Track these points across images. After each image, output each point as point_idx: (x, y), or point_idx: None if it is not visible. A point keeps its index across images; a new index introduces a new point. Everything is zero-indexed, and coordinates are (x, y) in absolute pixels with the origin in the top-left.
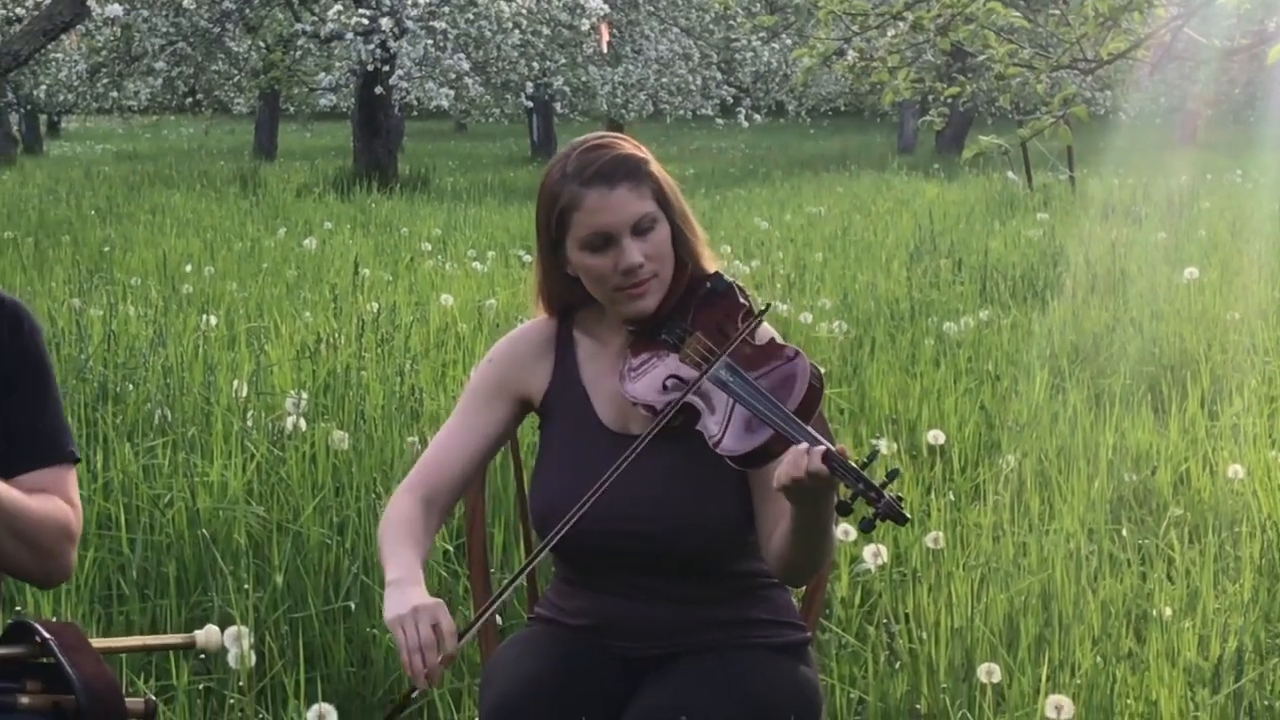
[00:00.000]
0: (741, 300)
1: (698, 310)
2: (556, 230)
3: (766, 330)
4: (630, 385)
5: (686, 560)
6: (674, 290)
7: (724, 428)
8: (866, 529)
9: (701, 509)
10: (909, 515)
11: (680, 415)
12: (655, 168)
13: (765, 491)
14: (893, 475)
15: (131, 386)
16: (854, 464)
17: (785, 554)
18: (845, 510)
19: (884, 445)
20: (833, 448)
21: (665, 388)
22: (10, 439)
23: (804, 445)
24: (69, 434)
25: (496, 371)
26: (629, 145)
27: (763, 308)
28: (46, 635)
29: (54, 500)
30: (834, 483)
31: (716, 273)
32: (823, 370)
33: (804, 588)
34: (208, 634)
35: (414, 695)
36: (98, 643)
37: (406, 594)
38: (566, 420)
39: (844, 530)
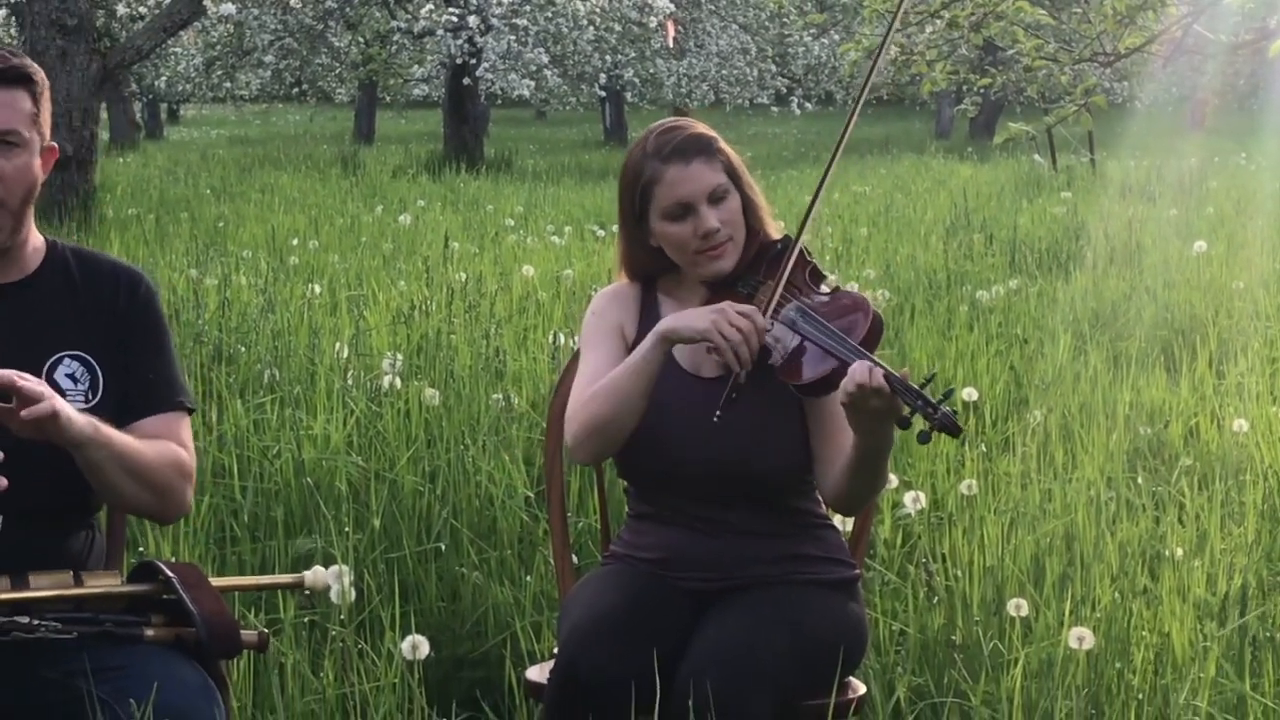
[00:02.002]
0: (808, 258)
1: (769, 266)
2: (640, 204)
3: (831, 282)
4: None
5: (749, 489)
6: (746, 252)
7: (796, 362)
8: (924, 441)
9: (767, 442)
10: (962, 427)
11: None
12: (723, 145)
13: (828, 426)
14: (948, 393)
15: (243, 349)
16: (912, 384)
17: (843, 482)
18: (904, 424)
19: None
20: (893, 371)
21: None
22: (128, 391)
23: (867, 364)
24: (183, 387)
25: (602, 318)
26: (699, 126)
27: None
28: (169, 574)
29: (167, 443)
30: (894, 403)
31: (785, 235)
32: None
33: (851, 529)
34: (315, 575)
35: (742, 380)
36: (216, 581)
37: (685, 312)
38: None
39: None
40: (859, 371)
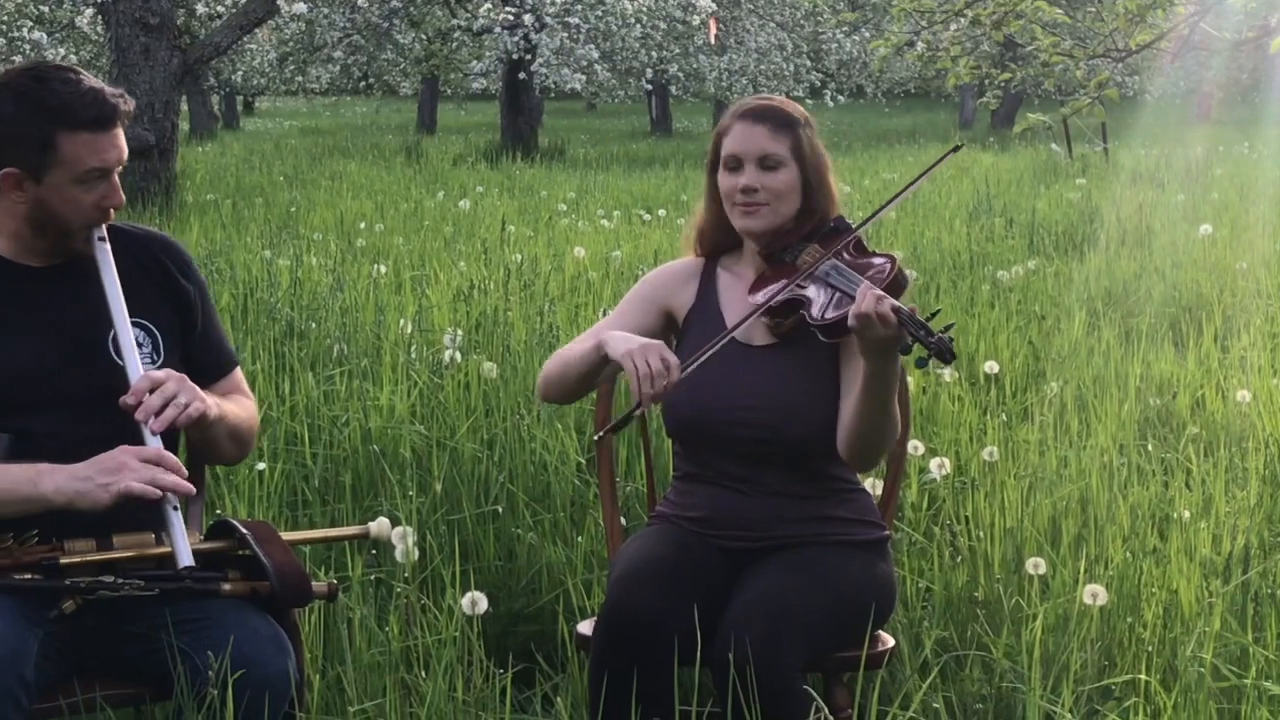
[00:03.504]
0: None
1: (819, 239)
2: (713, 155)
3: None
4: (754, 293)
5: (786, 453)
6: (798, 230)
7: (822, 307)
8: (921, 366)
9: (805, 403)
10: (956, 354)
11: (792, 313)
12: (806, 130)
13: (850, 374)
14: (948, 327)
15: (314, 325)
16: (918, 317)
17: (853, 420)
18: (906, 350)
19: (946, 373)
20: (901, 306)
21: (778, 292)
22: (197, 357)
23: (876, 292)
24: (229, 341)
25: (648, 287)
26: (792, 107)
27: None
28: (244, 531)
29: (242, 400)
30: (900, 332)
31: (839, 216)
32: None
33: (881, 493)
34: (379, 525)
35: (637, 413)
36: (287, 536)
37: (629, 336)
38: (703, 332)
39: (914, 446)
40: (868, 298)
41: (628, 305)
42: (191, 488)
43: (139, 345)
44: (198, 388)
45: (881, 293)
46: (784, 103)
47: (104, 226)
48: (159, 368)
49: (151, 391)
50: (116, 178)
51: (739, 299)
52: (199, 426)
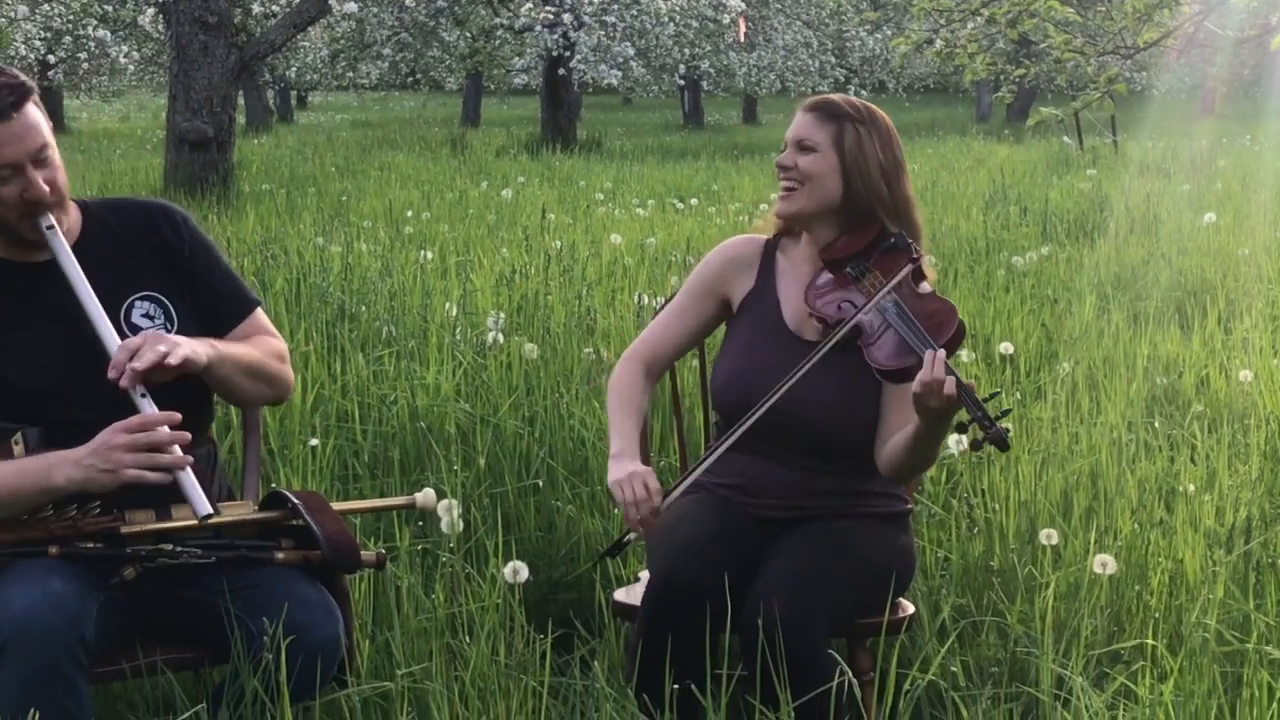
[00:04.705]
0: (914, 255)
1: (879, 257)
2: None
3: (928, 286)
4: (814, 298)
5: (825, 440)
6: (862, 237)
7: (882, 347)
8: (976, 448)
9: (844, 403)
10: (1010, 445)
11: (849, 333)
12: (859, 126)
13: (896, 405)
14: (1005, 413)
15: (364, 308)
16: (978, 397)
17: (898, 457)
18: (962, 430)
19: (964, 354)
20: (964, 381)
21: (840, 307)
22: (211, 310)
23: (944, 370)
24: (246, 287)
25: (709, 274)
26: (854, 105)
27: (919, 257)
28: (296, 501)
29: (260, 340)
30: (958, 406)
31: (899, 232)
32: None
33: None
34: (425, 496)
35: (627, 539)
36: (337, 506)
37: (624, 464)
38: (757, 316)
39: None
40: (935, 374)
41: (686, 296)
42: (188, 460)
43: (150, 317)
44: (180, 338)
45: (947, 365)
46: (846, 100)
47: (49, 215)
48: (177, 329)
49: (131, 359)
50: (32, 170)
51: (795, 289)
52: (191, 372)
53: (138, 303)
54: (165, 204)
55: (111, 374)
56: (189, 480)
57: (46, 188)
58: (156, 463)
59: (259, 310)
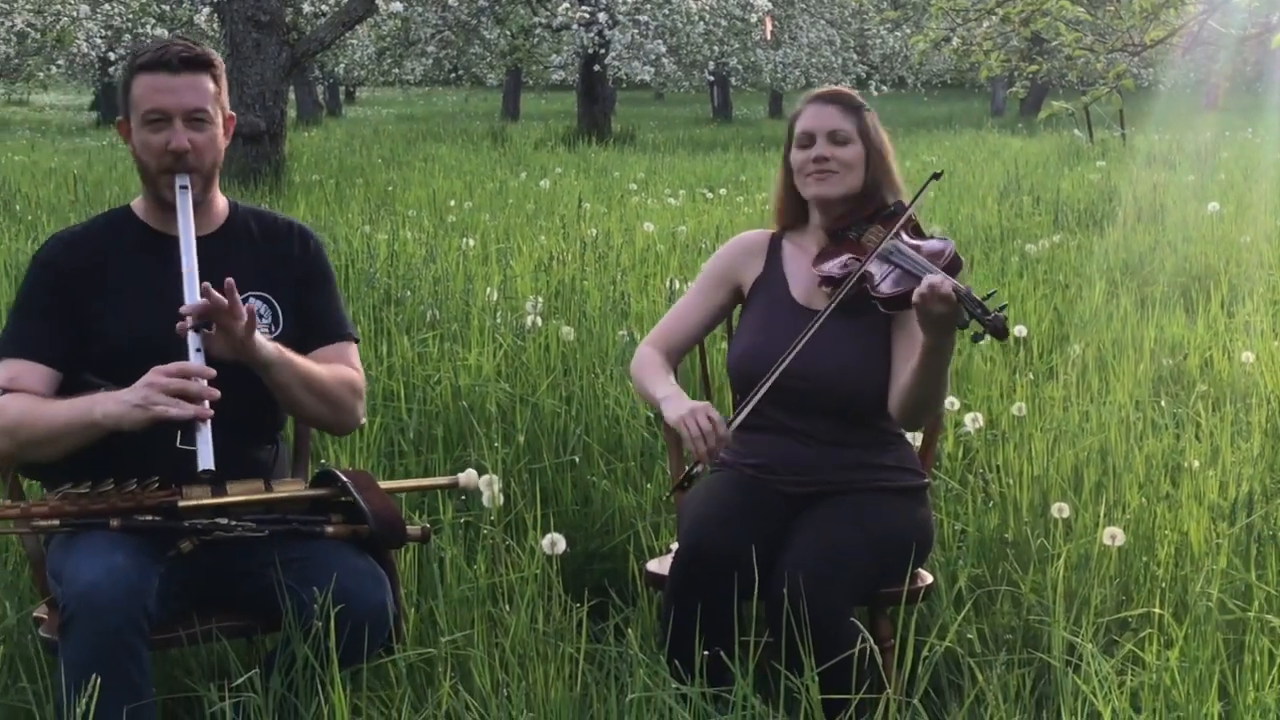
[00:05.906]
0: (914, 219)
1: (880, 220)
2: (787, 137)
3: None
4: (820, 263)
5: (837, 405)
6: (864, 208)
7: (884, 281)
8: (977, 340)
9: (854, 363)
10: (1009, 330)
11: (855, 287)
12: (870, 117)
13: (905, 349)
14: (1002, 307)
15: (409, 292)
16: (975, 295)
17: (909, 390)
18: (964, 324)
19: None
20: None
21: (845, 264)
22: (306, 325)
23: (940, 274)
24: (349, 321)
25: (720, 263)
26: (854, 95)
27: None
28: (345, 479)
29: (339, 366)
30: (959, 309)
31: (898, 200)
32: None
33: (921, 444)
34: (468, 476)
35: (696, 470)
36: (384, 484)
37: (680, 401)
38: (768, 296)
39: (950, 402)
40: (932, 277)
41: (701, 286)
42: (209, 413)
43: (260, 316)
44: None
45: (943, 273)
46: (851, 91)
47: (186, 176)
48: (280, 334)
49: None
50: (181, 124)
51: (803, 268)
52: (248, 353)
53: (252, 298)
54: (304, 226)
55: (182, 310)
56: (204, 433)
57: (189, 145)
58: (188, 390)
59: (353, 345)
